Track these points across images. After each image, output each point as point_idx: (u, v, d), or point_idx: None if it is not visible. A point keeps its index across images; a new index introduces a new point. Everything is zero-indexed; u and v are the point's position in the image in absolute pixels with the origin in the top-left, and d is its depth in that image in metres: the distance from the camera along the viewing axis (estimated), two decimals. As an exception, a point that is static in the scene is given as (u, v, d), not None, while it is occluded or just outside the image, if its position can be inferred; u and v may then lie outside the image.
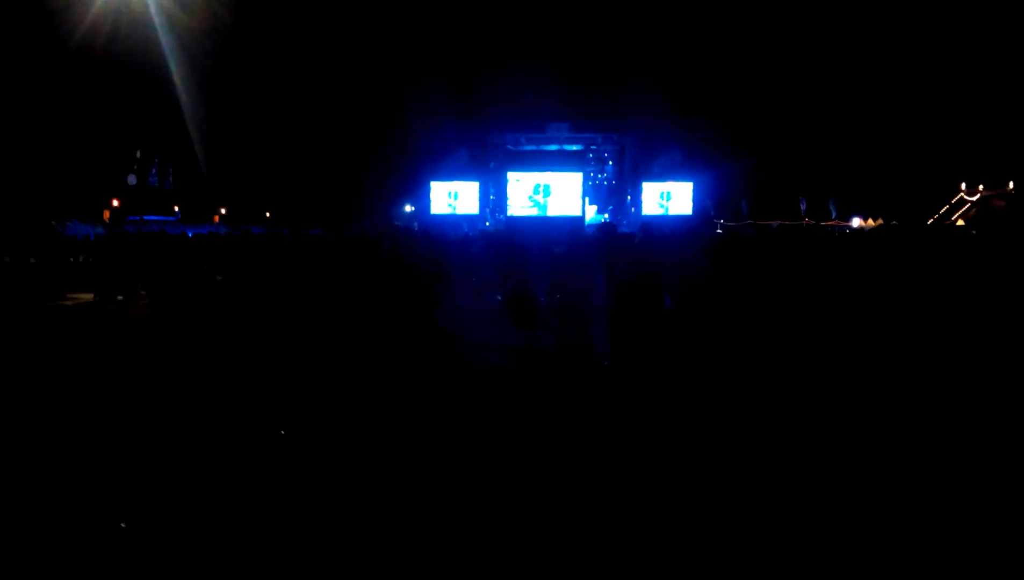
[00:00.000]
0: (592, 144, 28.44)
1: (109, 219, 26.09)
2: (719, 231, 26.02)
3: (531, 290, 8.57)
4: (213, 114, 28.04)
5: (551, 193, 26.81)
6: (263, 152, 32.90)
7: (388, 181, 32.67)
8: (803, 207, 31.27)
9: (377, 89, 29.69)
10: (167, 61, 23.26)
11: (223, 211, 37.12)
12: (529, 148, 28.49)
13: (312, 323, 8.26)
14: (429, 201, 27.16)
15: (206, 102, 26.94)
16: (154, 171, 32.78)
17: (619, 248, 7.91)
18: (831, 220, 30.74)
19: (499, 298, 9.97)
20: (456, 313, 8.81)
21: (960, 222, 34.43)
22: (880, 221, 30.80)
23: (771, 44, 28.50)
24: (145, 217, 27.73)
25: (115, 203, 29.41)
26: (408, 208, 34.67)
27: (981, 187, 35.90)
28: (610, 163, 29.09)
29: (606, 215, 27.86)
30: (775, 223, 28.62)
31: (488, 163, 27.50)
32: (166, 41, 22.43)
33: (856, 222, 30.71)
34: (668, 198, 27.08)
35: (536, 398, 5.62)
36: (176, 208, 35.57)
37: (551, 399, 5.56)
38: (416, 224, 28.93)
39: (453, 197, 27.00)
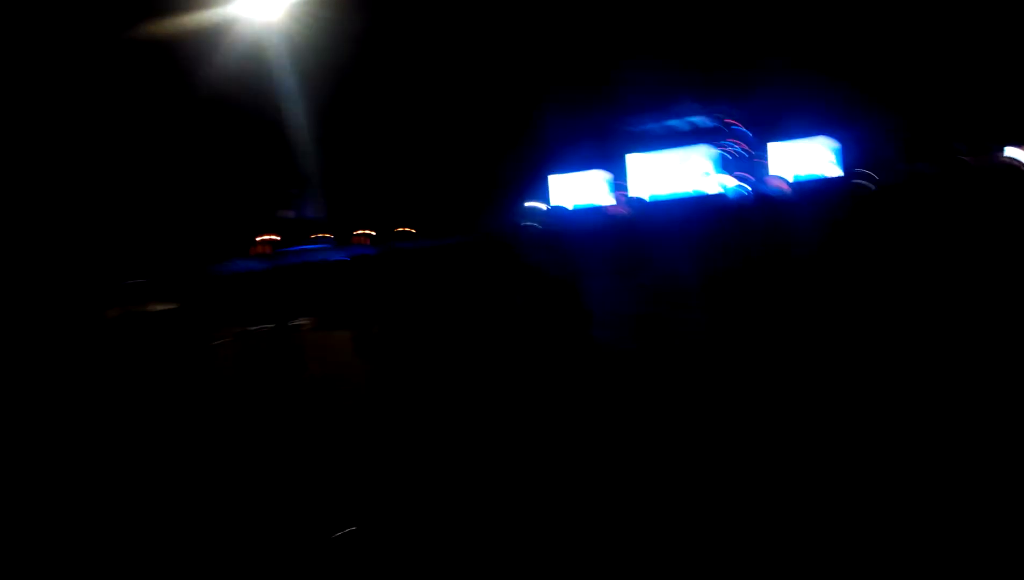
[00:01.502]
0: (722, 114, 27.33)
1: (271, 250, 28.23)
2: (870, 186, 24.18)
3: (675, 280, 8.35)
4: (342, 140, 29.57)
5: (684, 171, 26.15)
6: (395, 174, 34.32)
7: (517, 178, 33.02)
8: (962, 148, 28.34)
9: (506, 89, 30.06)
10: (290, 95, 24.90)
11: (364, 232, 39.01)
12: (656, 128, 27.82)
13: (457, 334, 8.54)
14: (551, 195, 27.22)
15: (343, 129, 28.48)
16: (307, 204, 35.10)
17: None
18: (994, 155, 27.64)
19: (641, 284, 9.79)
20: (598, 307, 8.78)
21: None
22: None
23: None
24: (297, 248, 29.78)
25: (273, 237, 31.77)
26: (537, 204, 34.91)
27: None
28: (742, 130, 27.85)
29: (744, 184, 26.71)
30: (927, 169, 26.17)
31: (612, 148, 27.16)
32: (293, 83, 23.97)
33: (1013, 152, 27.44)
34: (811, 154, 25.64)
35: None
36: (329, 235, 37.81)
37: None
38: (540, 222, 29.09)
39: (582, 188, 26.92)
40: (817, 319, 6.13)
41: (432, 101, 31.50)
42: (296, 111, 25.57)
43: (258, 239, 31.22)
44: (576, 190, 26.91)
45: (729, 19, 27.05)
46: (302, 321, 13.66)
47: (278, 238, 31.60)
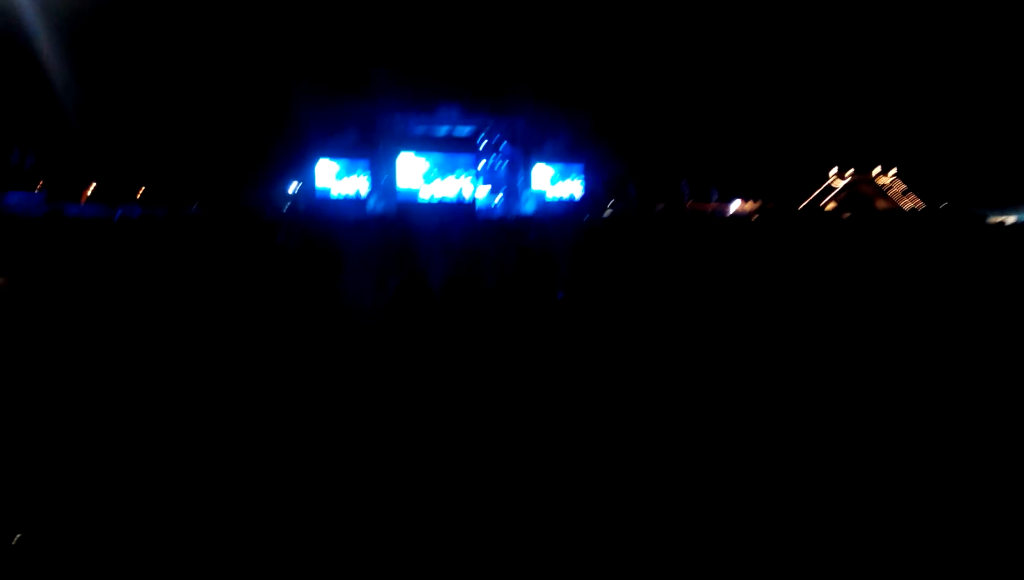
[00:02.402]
0: (483, 127, 28.45)
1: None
2: (608, 212, 26.77)
3: (425, 280, 8.53)
4: (82, 83, 26.03)
5: (442, 176, 26.82)
6: (134, 121, 30.85)
7: (272, 154, 31.34)
8: (686, 190, 32.63)
9: (264, 63, 28.49)
10: (30, 28, 21.37)
11: (92, 186, 34.51)
12: (420, 129, 28.17)
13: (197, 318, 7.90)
14: (314, 179, 26.41)
15: (74, 72, 24.97)
16: (16, 150, 30.13)
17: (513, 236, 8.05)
18: (712, 202, 32.27)
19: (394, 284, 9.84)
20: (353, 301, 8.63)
21: (831, 206, 37.03)
22: (759, 203, 32.67)
23: (648, 37, 29.41)
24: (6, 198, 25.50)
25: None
26: (293, 185, 33.46)
27: (850, 172, 38.74)
28: (502, 144, 29.26)
29: (499, 197, 28.06)
30: (660, 205, 29.89)
31: (378, 143, 27.02)
32: (29, 5, 20.58)
33: (736, 204, 32.38)
34: (559, 180, 27.76)
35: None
36: (40, 184, 32.77)
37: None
38: (301, 204, 28.08)
39: (341, 176, 26.42)
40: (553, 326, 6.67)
41: (191, 62, 28.94)
42: (25, 39, 21.90)
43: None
44: (342, 177, 26.33)
45: (492, 42, 28.53)
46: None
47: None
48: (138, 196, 34.97)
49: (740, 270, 8.10)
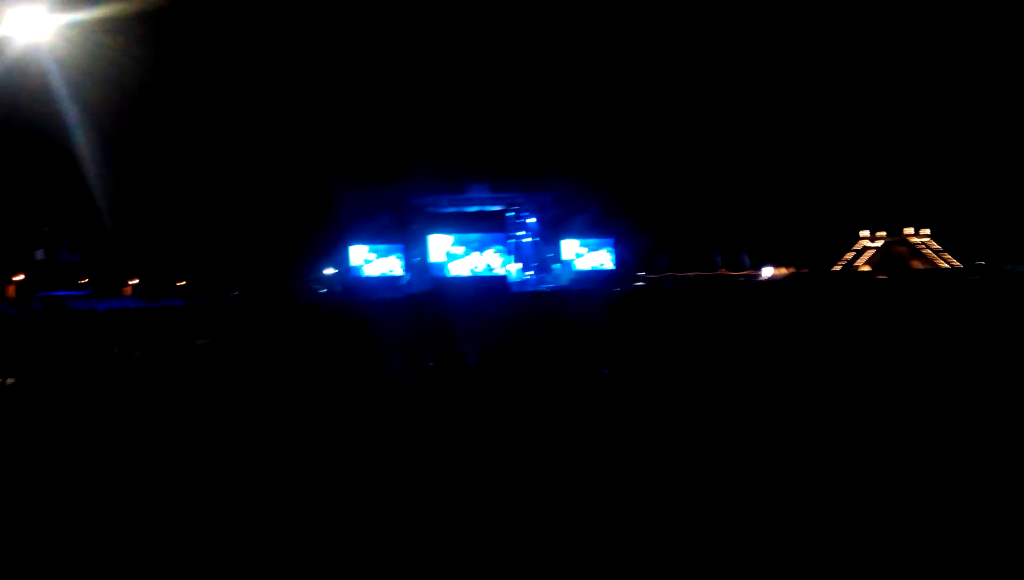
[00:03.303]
0: (512, 203, 28.97)
1: (15, 295, 24.76)
2: (640, 283, 26.77)
3: (461, 355, 8.55)
4: (123, 181, 27.23)
5: (473, 253, 27.28)
6: (174, 218, 32.04)
7: (309, 242, 32.19)
8: (718, 261, 32.61)
9: (299, 157, 29.65)
10: (72, 131, 22.54)
11: (134, 282, 35.64)
12: (451, 209, 28.81)
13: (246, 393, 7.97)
14: (350, 263, 27.01)
15: (114, 169, 26.15)
16: (64, 245, 31.47)
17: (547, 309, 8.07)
18: (744, 270, 32.13)
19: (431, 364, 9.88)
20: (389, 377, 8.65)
21: (865, 267, 36.59)
22: (791, 269, 32.47)
23: (674, 111, 30.06)
24: (56, 293, 26.44)
25: (20, 277, 27.96)
26: (329, 270, 34.19)
27: (883, 233, 38.46)
28: (532, 221, 29.66)
29: (531, 272, 28.30)
30: (692, 274, 29.87)
31: (410, 225, 27.67)
32: (71, 111, 21.77)
33: (768, 271, 32.21)
34: (591, 252, 27.94)
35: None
36: (85, 281, 33.96)
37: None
38: (339, 287, 28.60)
39: (375, 259, 27.00)
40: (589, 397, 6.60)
41: (224, 158, 30.22)
42: (67, 142, 23.08)
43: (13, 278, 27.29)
44: (375, 260, 26.93)
45: (519, 122, 29.41)
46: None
47: (24, 278, 27.84)
48: (178, 286, 35.99)
49: (780, 332, 7.99)
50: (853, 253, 38.47)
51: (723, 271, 30.94)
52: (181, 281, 37.19)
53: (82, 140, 23.16)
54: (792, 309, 8.27)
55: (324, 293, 29.30)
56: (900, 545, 3.53)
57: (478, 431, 6.29)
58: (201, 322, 11.65)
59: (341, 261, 28.80)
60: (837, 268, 35.73)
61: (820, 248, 35.26)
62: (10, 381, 10.87)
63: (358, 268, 26.85)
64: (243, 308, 13.13)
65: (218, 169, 30.80)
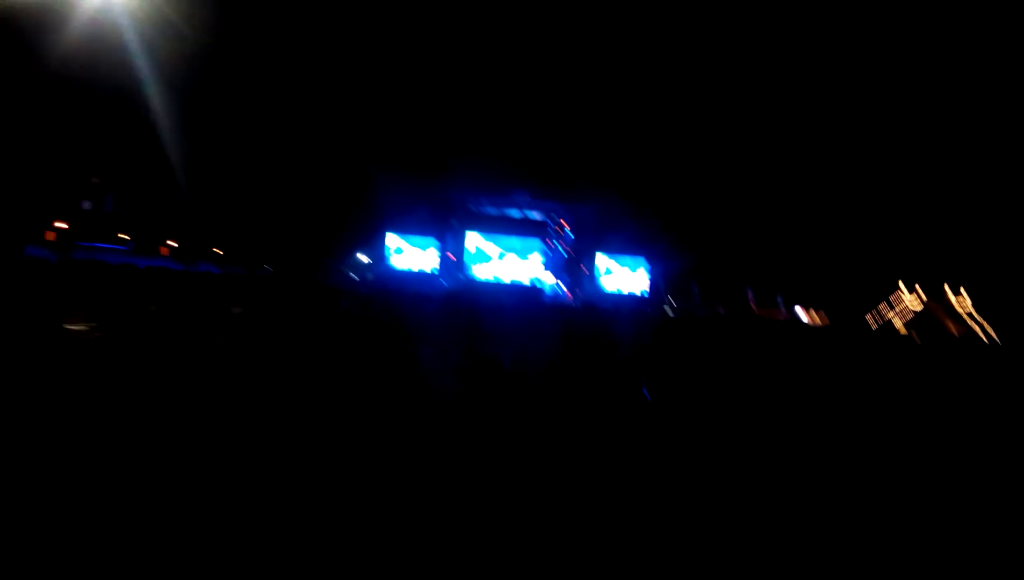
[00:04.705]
0: (552, 212, 28.95)
1: (56, 242, 25.27)
2: (670, 313, 26.57)
3: (494, 358, 8.51)
4: (173, 143, 27.64)
5: (511, 259, 27.25)
6: (218, 184, 32.41)
7: (345, 226, 32.38)
8: (751, 295, 32.26)
9: (345, 137, 29.83)
10: (133, 88, 22.94)
11: (171, 244, 36.19)
12: (491, 211, 28.83)
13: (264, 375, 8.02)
14: (386, 252, 27.09)
15: (168, 130, 26.57)
16: (110, 198, 32.02)
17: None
18: (777, 309, 31.79)
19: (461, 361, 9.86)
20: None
21: (899, 325, 35.94)
22: (822, 313, 32.02)
23: (719, 142, 29.76)
24: (96, 244, 26.94)
25: (62, 225, 28.50)
26: (363, 258, 34.39)
27: (918, 289, 37.69)
28: (568, 233, 29.60)
29: (562, 283, 28.26)
30: (721, 309, 29.60)
31: (449, 221, 27.72)
32: (143, 66, 22.17)
33: (803, 316, 31.79)
34: (624, 273, 27.84)
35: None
36: (127, 236, 34.52)
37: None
38: (371, 276, 28.75)
39: (411, 251, 27.05)
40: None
41: (273, 132, 30.52)
42: (126, 98, 23.50)
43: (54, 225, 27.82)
44: (410, 253, 27.02)
45: (566, 130, 29.32)
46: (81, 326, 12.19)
47: (66, 227, 28.39)
48: (214, 253, 36.50)
49: (819, 386, 7.86)
50: (889, 305, 37.61)
51: (757, 309, 30.60)
52: (217, 248, 37.69)
53: (142, 98, 23.57)
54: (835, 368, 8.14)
55: (356, 280, 29.48)
56: None
57: (505, 435, 6.23)
58: (236, 292, 11.78)
59: (376, 249, 28.94)
60: (871, 322, 35.16)
61: (854, 293, 34.59)
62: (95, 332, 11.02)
63: (391, 258, 26.98)
64: (274, 283, 13.24)
65: (265, 142, 31.09)
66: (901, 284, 37.65)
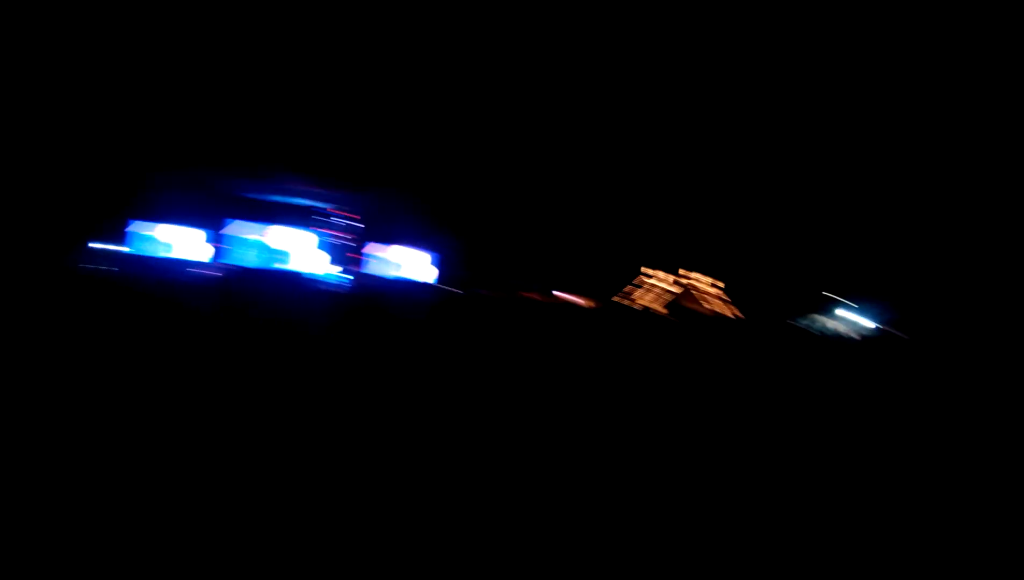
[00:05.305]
0: (329, 201, 28.54)
1: None
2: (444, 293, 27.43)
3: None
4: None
5: (278, 245, 26.73)
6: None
7: (93, 211, 29.14)
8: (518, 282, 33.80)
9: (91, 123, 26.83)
10: None
11: None
12: (258, 198, 27.84)
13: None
14: (146, 239, 25.26)
15: None
16: None
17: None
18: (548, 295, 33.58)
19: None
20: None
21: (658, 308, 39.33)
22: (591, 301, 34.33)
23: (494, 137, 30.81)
24: None
25: None
26: (116, 245, 31.19)
27: (664, 273, 41.51)
28: (351, 222, 29.33)
29: (339, 269, 28.04)
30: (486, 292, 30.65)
31: (213, 207, 26.39)
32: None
33: (575, 299, 33.78)
34: (405, 263, 28.41)
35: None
36: None
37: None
38: (125, 264, 26.38)
39: (169, 237, 25.58)
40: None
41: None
42: None
43: None
44: (169, 240, 25.35)
45: (353, 117, 28.82)
46: None
47: None
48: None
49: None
50: (635, 287, 40.09)
51: (525, 293, 32.16)
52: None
53: None
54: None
55: (107, 270, 26.85)
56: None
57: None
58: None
59: (131, 236, 26.63)
60: (625, 302, 38.02)
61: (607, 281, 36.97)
62: None
63: (149, 245, 25.22)
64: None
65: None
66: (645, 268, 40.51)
